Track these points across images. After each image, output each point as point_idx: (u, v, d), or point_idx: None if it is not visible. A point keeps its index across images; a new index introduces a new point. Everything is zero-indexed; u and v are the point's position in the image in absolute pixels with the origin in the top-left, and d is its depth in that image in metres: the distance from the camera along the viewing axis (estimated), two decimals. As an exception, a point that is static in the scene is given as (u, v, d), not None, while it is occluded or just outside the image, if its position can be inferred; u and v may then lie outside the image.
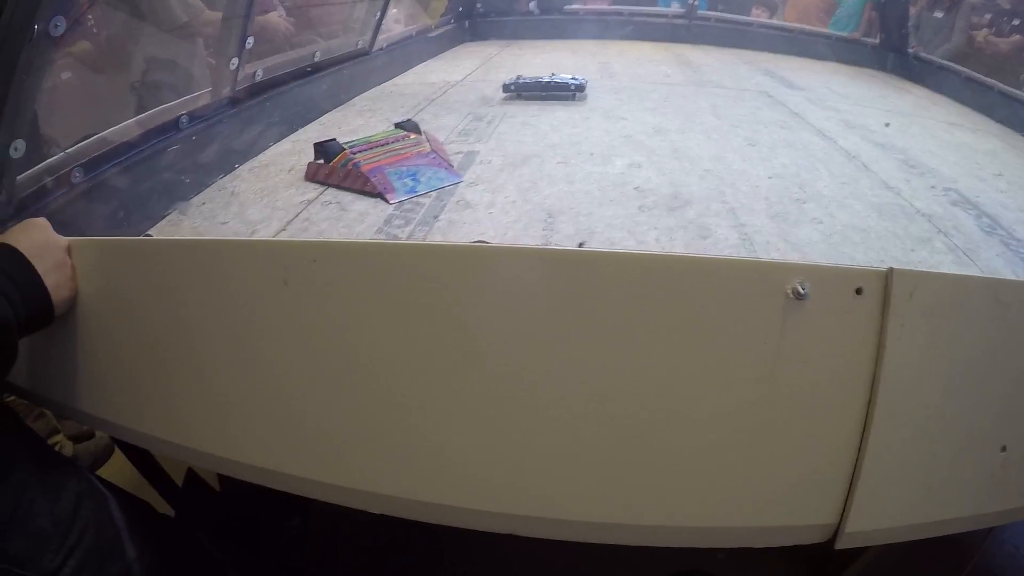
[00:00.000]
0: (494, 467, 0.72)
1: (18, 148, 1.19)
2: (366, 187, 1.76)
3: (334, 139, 1.88)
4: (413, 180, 1.84)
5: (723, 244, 1.51)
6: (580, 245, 1.48)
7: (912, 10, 3.36)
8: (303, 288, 0.73)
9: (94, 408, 0.85)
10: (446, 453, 0.72)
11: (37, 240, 0.79)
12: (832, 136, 2.31)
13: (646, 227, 1.58)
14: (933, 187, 1.88)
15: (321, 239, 1.40)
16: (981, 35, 2.99)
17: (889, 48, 3.51)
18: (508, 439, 0.71)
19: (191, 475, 1.27)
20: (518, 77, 2.75)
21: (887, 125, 2.42)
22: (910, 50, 3.38)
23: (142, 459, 1.18)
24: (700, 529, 0.72)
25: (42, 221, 0.84)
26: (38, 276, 0.76)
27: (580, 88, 2.68)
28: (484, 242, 1.47)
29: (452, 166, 1.92)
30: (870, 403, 0.69)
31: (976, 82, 2.83)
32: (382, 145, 1.95)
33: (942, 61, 3.14)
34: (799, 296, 0.66)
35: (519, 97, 2.67)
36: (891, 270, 0.67)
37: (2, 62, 1.11)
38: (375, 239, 1.51)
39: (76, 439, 1.98)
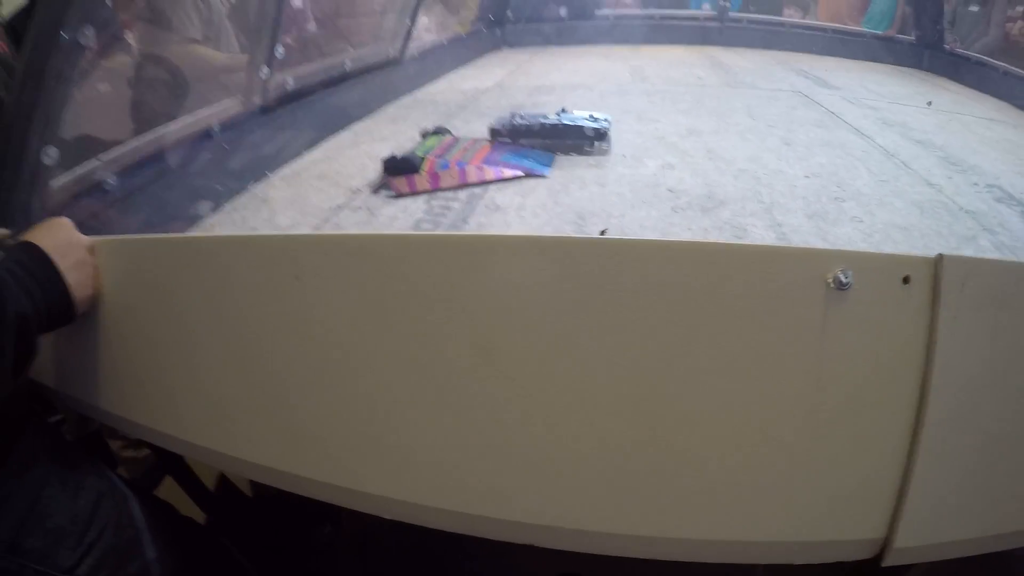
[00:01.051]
0: (518, 475, 0.68)
1: (50, 155, 1.21)
2: (503, 175, 1.78)
3: (393, 155, 1.86)
4: (531, 159, 1.87)
5: (760, 243, 1.48)
6: (602, 233, 1.44)
7: (947, 5, 3.29)
8: (318, 284, 0.71)
9: (118, 408, 0.84)
10: (471, 459, 0.69)
11: (59, 238, 0.79)
12: (870, 134, 2.25)
13: (680, 228, 1.55)
14: (975, 184, 1.83)
15: (336, 232, 1.39)
16: (1017, 28, 2.90)
17: (924, 45, 3.44)
18: (533, 445, 0.68)
19: (223, 479, 1.27)
20: (512, 115, 2.10)
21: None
22: (946, 46, 3.29)
23: (173, 461, 1.18)
24: (736, 544, 0.67)
25: (64, 220, 0.84)
26: (59, 273, 0.76)
27: (600, 135, 2.02)
28: None
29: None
30: (921, 404, 0.63)
31: (1015, 77, 2.76)
32: (450, 148, 1.96)
33: (979, 56, 3.07)
34: (841, 286, 0.62)
35: (512, 144, 2.02)
36: (941, 256, 0.62)
37: (32, 69, 1.13)
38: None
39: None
